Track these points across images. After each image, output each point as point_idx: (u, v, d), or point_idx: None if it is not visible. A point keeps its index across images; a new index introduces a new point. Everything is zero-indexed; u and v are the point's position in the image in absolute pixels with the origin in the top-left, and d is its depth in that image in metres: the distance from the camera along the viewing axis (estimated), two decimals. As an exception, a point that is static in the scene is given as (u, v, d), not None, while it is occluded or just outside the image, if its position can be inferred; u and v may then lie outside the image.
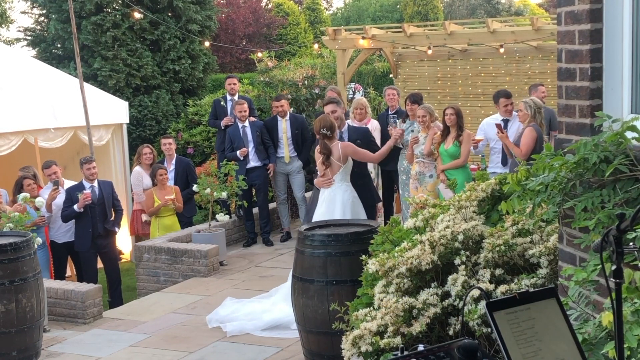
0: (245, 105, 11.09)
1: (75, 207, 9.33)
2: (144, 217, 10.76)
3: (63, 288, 8.30)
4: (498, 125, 8.69)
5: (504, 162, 8.96)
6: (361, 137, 8.34)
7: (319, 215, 7.57)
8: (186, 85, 19.64)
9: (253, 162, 10.91)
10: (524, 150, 8.01)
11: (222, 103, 11.70)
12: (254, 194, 11.23)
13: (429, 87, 15.45)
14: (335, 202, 7.55)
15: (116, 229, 9.93)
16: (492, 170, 8.73)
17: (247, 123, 10.95)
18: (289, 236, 11.20)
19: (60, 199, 9.59)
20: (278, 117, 11.07)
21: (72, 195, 9.40)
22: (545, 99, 9.78)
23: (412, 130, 9.62)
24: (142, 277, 9.88)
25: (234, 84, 11.80)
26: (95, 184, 9.62)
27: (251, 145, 10.86)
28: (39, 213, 9.21)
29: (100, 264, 9.91)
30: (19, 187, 9.47)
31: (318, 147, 7.66)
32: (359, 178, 7.93)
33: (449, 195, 8.24)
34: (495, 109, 9.70)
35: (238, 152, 10.84)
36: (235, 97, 11.68)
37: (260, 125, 11.04)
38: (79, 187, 9.48)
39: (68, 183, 9.98)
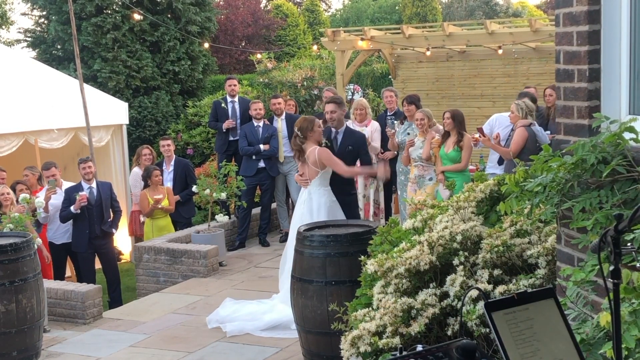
0: (261, 105, 11.19)
1: (72, 208, 9.34)
2: (142, 218, 10.77)
3: (63, 288, 8.31)
4: (480, 129, 8.74)
5: (500, 162, 8.98)
6: (354, 144, 8.20)
7: (297, 216, 7.73)
8: (186, 87, 19.67)
9: (264, 162, 10.93)
10: (513, 148, 8.06)
11: (222, 105, 11.70)
12: (257, 193, 11.25)
13: (427, 88, 15.47)
14: (312, 204, 7.66)
15: (113, 230, 9.93)
16: (491, 171, 8.75)
17: (261, 123, 10.99)
18: (288, 237, 11.20)
19: (57, 199, 9.60)
20: (274, 116, 11.13)
21: (70, 196, 9.42)
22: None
23: (409, 133, 9.63)
24: (142, 277, 9.89)
25: (235, 85, 11.80)
26: (94, 184, 9.63)
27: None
28: (38, 214, 9.21)
29: (99, 265, 9.93)
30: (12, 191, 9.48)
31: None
32: (342, 185, 7.94)
33: (446, 195, 8.29)
34: (503, 108, 9.70)
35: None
36: (236, 99, 11.69)
37: (274, 129, 11.05)
38: (77, 188, 9.49)
39: (67, 184, 9.98)
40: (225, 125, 11.40)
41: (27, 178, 10.06)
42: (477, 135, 9.24)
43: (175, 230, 10.71)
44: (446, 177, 8.73)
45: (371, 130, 10.12)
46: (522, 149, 8.06)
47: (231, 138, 11.48)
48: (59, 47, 19.91)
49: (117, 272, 9.96)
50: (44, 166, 9.98)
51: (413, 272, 4.38)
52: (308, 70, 14.77)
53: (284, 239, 11.19)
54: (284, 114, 11.13)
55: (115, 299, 9.68)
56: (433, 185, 9.12)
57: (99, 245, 9.62)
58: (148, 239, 10.30)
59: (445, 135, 8.97)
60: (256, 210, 11.38)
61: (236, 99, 11.69)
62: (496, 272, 4.23)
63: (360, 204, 9.96)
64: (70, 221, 9.60)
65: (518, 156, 7.56)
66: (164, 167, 11.02)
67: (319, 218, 7.44)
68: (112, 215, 9.83)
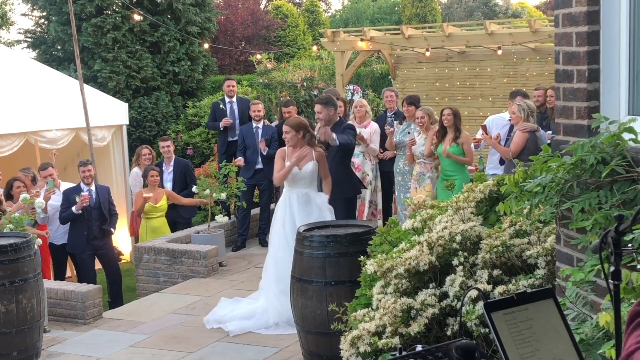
0: (261, 106, 11.16)
1: (74, 209, 9.35)
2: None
3: (63, 289, 8.31)
4: (483, 127, 8.74)
5: (502, 162, 8.99)
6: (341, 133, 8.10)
7: None
8: (185, 87, 19.68)
9: (262, 163, 10.93)
10: (512, 149, 8.06)
11: (221, 106, 11.72)
12: (256, 194, 11.25)
13: (427, 88, 15.48)
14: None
15: (112, 230, 9.93)
16: (493, 172, 8.75)
17: (260, 124, 10.98)
18: None
19: (56, 200, 9.61)
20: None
21: (69, 197, 9.43)
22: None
23: (409, 132, 9.64)
24: (142, 277, 9.90)
25: (233, 86, 11.81)
26: (93, 187, 9.63)
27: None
28: (38, 214, 9.21)
29: (98, 265, 9.93)
30: (8, 189, 9.48)
31: None
32: (340, 170, 8.03)
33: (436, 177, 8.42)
34: (502, 108, 9.71)
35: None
36: (234, 99, 11.71)
37: (273, 131, 11.04)
38: (77, 190, 9.50)
39: (65, 185, 9.99)
40: (223, 123, 11.39)
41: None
42: (478, 136, 9.24)
43: (175, 230, 10.72)
44: (446, 177, 8.74)
45: (370, 132, 10.12)
46: (522, 149, 8.06)
47: (230, 138, 11.48)
48: (59, 47, 19.90)
49: (119, 272, 9.95)
50: (41, 166, 9.98)
51: (412, 273, 4.39)
52: (308, 71, 14.76)
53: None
54: None
55: (116, 299, 9.67)
56: (430, 183, 9.14)
57: (98, 246, 9.62)
58: (142, 240, 10.30)
59: (442, 133, 8.97)
60: (256, 211, 11.38)
61: (234, 99, 11.70)
62: (495, 272, 4.24)
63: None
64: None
65: (518, 157, 7.56)
66: (163, 168, 11.03)
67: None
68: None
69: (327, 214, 7.47)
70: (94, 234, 9.52)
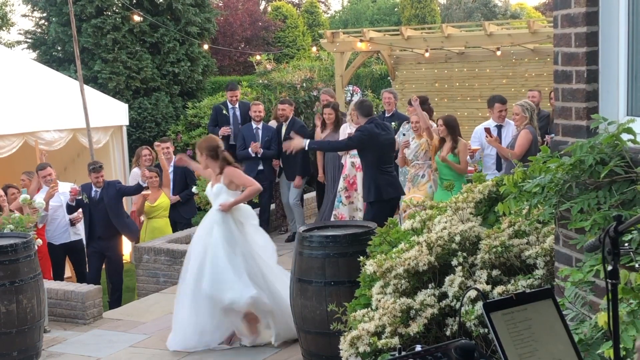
0: (261, 107, 11.20)
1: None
2: (142, 218, 10.77)
3: (63, 289, 8.32)
4: (487, 130, 8.73)
5: (499, 168, 8.95)
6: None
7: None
8: (185, 88, 19.68)
9: (262, 165, 10.94)
10: (518, 151, 8.04)
11: (223, 111, 11.77)
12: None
13: (426, 89, 15.46)
14: None
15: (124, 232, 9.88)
16: (488, 178, 8.69)
17: (260, 125, 11.00)
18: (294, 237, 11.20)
19: (56, 200, 9.64)
20: (281, 122, 11.11)
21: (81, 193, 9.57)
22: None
23: (403, 134, 9.63)
24: (142, 277, 9.89)
25: (236, 96, 11.90)
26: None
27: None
28: (39, 214, 9.22)
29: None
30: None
31: None
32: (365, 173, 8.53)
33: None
34: (490, 113, 9.71)
35: (250, 148, 10.86)
36: (237, 105, 11.78)
37: (273, 130, 11.04)
38: (86, 187, 9.53)
39: (63, 185, 9.98)
40: (221, 132, 11.42)
41: (24, 182, 10.08)
42: (473, 146, 9.24)
43: (175, 230, 10.71)
44: (443, 180, 8.72)
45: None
46: (526, 151, 8.04)
47: (231, 142, 11.50)
48: (59, 48, 19.91)
49: (121, 277, 9.86)
50: (39, 167, 9.97)
51: (412, 273, 4.40)
52: (307, 72, 14.75)
53: (290, 238, 11.08)
54: (289, 120, 11.07)
55: (114, 302, 9.64)
56: (425, 183, 9.13)
57: (105, 247, 9.56)
58: (142, 241, 10.28)
59: (441, 141, 8.96)
60: (255, 211, 11.35)
61: (237, 105, 11.78)
62: (495, 272, 4.25)
63: (361, 204, 9.97)
64: (68, 222, 9.81)
65: (522, 159, 7.53)
66: (156, 169, 11.01)
67: None
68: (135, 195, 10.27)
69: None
70: (98, 233, 9.52)
